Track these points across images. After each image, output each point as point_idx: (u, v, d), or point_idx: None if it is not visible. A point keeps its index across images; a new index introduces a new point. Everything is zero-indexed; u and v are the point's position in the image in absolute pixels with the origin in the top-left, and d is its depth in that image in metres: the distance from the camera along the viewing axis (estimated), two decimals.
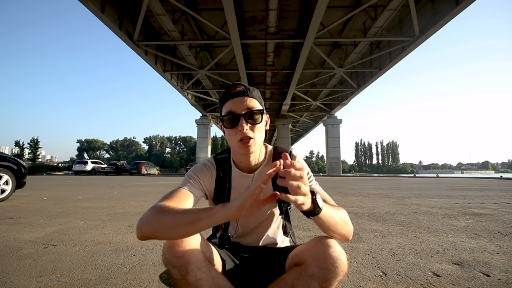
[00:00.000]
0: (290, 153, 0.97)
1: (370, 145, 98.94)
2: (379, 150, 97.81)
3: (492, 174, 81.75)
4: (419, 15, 10.44)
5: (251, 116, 0.83)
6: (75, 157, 73.51)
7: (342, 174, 28.13)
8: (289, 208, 1.01)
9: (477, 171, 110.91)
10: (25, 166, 5.10)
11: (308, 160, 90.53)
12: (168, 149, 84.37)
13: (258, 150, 0.89)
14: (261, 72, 17.17)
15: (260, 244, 0.97)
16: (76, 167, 24.25)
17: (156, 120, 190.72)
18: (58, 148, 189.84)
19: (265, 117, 0.88)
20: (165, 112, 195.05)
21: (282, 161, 0.57)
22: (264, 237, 0.97)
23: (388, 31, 12.88)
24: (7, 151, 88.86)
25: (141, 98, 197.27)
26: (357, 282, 1.44)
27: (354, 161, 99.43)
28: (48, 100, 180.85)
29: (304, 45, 11.54)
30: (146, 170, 26.35)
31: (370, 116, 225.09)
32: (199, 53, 15.12)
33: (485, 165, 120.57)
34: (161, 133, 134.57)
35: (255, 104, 0.85)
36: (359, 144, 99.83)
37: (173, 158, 76.86)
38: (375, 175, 49.08)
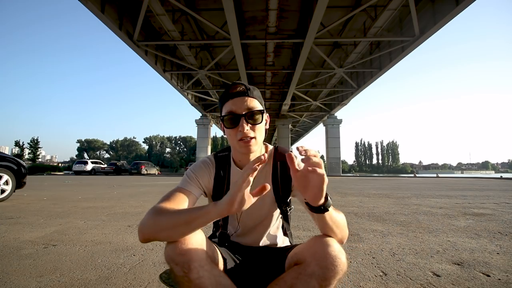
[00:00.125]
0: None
1: (370, 145, 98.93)
2: (379, 150, 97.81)
3: (492, 174, 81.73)
4: (419, 15, 10.44)
5: (251, 116, 0.83)
6: (75, 157, 73.50)
7: (342, 174, 28.13)
8: (289, 209, 1.01)
9: (477, 171, 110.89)
10: (25, 166, 5.10)
11: None
12: (168, 149, 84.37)
13: (258, 150, 0.90)
14: (261, 72, 17.16)
15: (260, 244, 0.97)
16: (76, 167, 24.25)
17: (156, 120, 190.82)
18: (58, 148, 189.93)
19: (265, 116, 0.89)
20: (165, 112, 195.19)
21: (266, 155, 0.62)
22: (264, 237, 0.97)
23: (388, 31, 12.87)
24: (7, 151, 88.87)
25: (141, 98, 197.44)
26: (357, 282, 1.44)
27: (354, 161, 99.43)
28: (48, 100, 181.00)
29: (304, 45, 11.53)
30: (146, 170, 26.35)
31: (370, 116, 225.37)
32: (199, 53, 15.12)
33: (485, 165, 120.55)
34: (161, 133, 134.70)
35: (256, 104, 0.85)
36: (359, 144, 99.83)
37: (173, 158, 76.85)
38: (375, 175, 49.07)
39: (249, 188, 0.63)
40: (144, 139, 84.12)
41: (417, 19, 10.23)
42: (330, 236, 0.74)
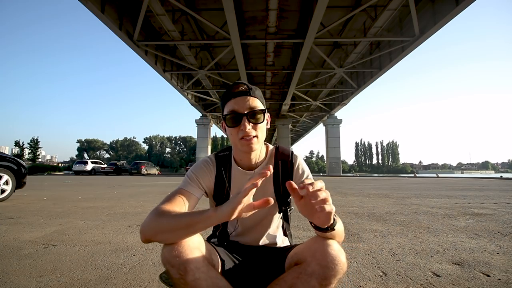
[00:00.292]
0: (291, 154, 0.97)
1: (370, 145, 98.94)
2: (379, 150, 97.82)
3: (492, 174, 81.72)
4: (419, 15, 10.44)
5: (253, 116, 0.84)
6: (75, 157, 73.52)
7: (342, 174, 28.12)
8: (290, 209, 1.01)
9: (477, 171, 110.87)
10: (25, 166, 5.10)
11: (308, 160, 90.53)
12: (168, 149, 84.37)
13: (259, 149, 0.90)
14: (261, 72, 17.16)
15: (260, 243, 0.97)
16: (76, 167, 24.25)
17: (156, 120, 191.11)
18: (58, 148, 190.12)
19: (267, 116, 0.89)
20: (165, 112, 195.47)
21: (271, 167, 0.63)
22: (264, 236, 0.97)
23: (388, 31, 12.87)
24: (7, 151, 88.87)
25: (141, 98, 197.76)
26: (357, 282, 1.44)
27: (354, 161, 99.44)
28: (48, 100, 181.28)
29: (304, 45, 11.53)
30: (146, 170, 26.35)
31: (370, 116, 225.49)
32: (199, 53, 15.12)
33: (485, 165, 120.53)
34: (161, 133, 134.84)
35: (257, 103, 0.86)
36: (359, 144, 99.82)
37: (173, 158, 76.84)
38: (375, 175, 49.07)
39: (251, 197, 0.64)
40: (144, 139, 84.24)
41: (417, 19, 10.23)
42: None
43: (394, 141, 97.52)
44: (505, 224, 2.97)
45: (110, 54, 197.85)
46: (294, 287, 0.68)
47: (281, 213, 1.00)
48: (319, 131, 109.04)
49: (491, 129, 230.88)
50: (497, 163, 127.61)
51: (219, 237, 0.99)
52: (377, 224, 2.93)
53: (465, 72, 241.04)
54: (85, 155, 73.63)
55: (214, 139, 72.83)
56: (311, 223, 0.70)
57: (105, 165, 26.10)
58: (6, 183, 4.62)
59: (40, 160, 45.86)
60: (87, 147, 77.61)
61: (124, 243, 2.14)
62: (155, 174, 27.52)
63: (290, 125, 27.41)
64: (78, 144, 78.47)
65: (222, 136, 75.31)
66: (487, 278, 1.49)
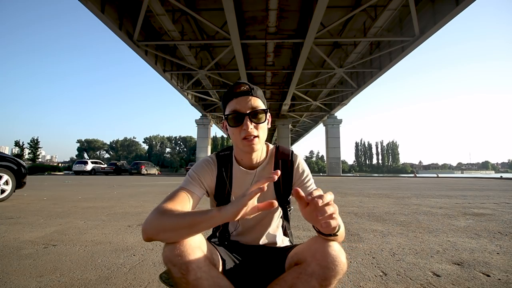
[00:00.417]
0: (292, 153, 0.97)
1: (370, 145, 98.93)
2: (379, 150, 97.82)
3: (492, 174, 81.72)
4: (419, 15, 10.44)
5: (255, 115, 0.84)
6: (75, 157, 73.51)
7: (342, 174, 28.12)
8: (289, 209, 1.02)
9: (477, 171, 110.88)
10: (25, 166, 5.10)
11: (308, 160, 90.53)
12: (168, 149, 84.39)
13: (260, 148, 0.91)
14: (261, 72, 17.16)
15: (260, 243, 0.97)
16: (76, 167, 24.25)
17: (156, 120, 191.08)
18: (58, 148, 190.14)
19: (268, 116, 0.90)
20: (165, 112, 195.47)
21: (279, 172, 0.62)
22: (264, 236, 0.98)
23: (388, 31, 12.87)
24: (7, 151, 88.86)
25: (141, 98, 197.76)
26: (357, 282, 1.44)
27: (354, 161, 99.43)
28: (48, 100, 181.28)
29: (304, 45, 11.53)
30: (146, 170, 26.35)
31: (370, 116, 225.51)
32: (199, 53, 15.12)
33: (485, 165, 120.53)
34: (161, 133, 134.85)
35: (259, 103, 0.86)
36: (359, 144, 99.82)
37: (173, 158, 76.84)
38: (375, 175, 49.07)
39: (256, 199, 0.64)
40: (144, 139, 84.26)
41: (417, 19, 10.23)
42: None
43: (394, 141, 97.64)
44: (505, 224, 2.97)
45: (110, 54, 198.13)
46: (294, 287, 0.69)
47: (281, 213, 1.00)
48: (319, 131, 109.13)
49: (491, 129, 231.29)
50: (497, 163, 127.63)
51: (220, 236, 0.99)
52: (377, 224, 2.93)
53: (465, 72, 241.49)
54: (85, 155, 73.63)
55: (214, 139, 72.81)
56: (314, 226, 0.70)
57: (105, 165, 26.10)
58: (6, 183, 4.62)
59: (40, 160, 45.86)
60: (87, 147, 77.61)
61: (124, 243, 2.14)
62: (155, 174, 27.52)
63: (290, 125, 27.41)
64: (78, 144, 78.50)
65: (222, 136, 75.29)
66: (487, 278, 1.49)
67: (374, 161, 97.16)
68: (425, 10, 10.61)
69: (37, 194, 5.90)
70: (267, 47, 13.65)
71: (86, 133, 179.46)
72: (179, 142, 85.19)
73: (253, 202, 0.64)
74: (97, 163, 25.59)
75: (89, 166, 24.23)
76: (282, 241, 1.02)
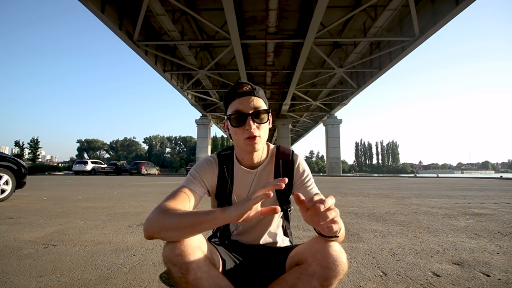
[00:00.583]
0: (292, 153, 0.98)
1: (370, 145, 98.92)
2: (379, 150, 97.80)
3: (492, 174, 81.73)
4: (419, 15, 10.44)
5: (257, 116, 0.85)
6: (75, 157, 73.52)
7: (342, 174, 28.12)
8: (290, 210, 1.02)
9: (477, 171, 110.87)
10: (25, 166, 5.10)
11: (308, 160, 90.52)
12: (168, 149, 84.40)
13: (261, 148, 0.91)
14: (261, 72, 17.16)
15: (260, 242, 0.97)
16: (76, 167, 24.24)
17: (156, 120, 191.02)
18: (58, 148, 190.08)
19: (270, 116, 0.90)
20: (165, 112, 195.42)
21: (286, 180, 0.62)
22: (265, 235, 0.98)
23: (388, 31, 12.87)
24: (7, 151, 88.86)
25: (141, 98, 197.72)
26: (357, 282, 1.44)
27: (354, 161, 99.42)
28: (48, 100, 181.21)
29: (304, 45, 11.53)
30: (146, 170, 26.35)
31: (370, 116, 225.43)
32: (199, 53, 15.12)
33: (485, 165, 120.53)
34: (161, 133, 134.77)
35: (261, 103, 0.87)
36: (359, 144, 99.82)
37: (173, 158, 76.84)
38: (375, 175, 49.07)
39: (259, 204, 0.65)
40: (144, 139, 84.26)
41: (417, 19, 10.23)
42: None
43: (394, 141, 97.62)
44: (505, 224, 2.97)
45: (110, 54, 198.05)
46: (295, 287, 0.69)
47: (282, 212, 1.00)
48: (319, 131, 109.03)
49: (491, 129, 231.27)
50: (497, 163, 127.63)
51: (220, 236, 0.99)
52: (377, 224, 2.93)
53: (465, 72, 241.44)
54: (85, 155, 73.64)
55: (214, 139, 72.82)
56: (314, 228, 0.70)
57: (105, 165, 26.09)
58: (6, 183, 4.62)
59: (40, 160, 45.85)
60: (87, 147, 77.62)
61: (124, 243, 2.14)
62: (155, 174, 27.52)
63: (290, 125, 27.41)
64: (78, 144, 78.51)
65: (222, 136, 75.29)
66: (487, 278, 1.49)
67: (374, 161, 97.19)
68: (425, 10, 10.61)
69: (37, 194, 5.90)
70: (267, 47, 13.65)
71: (86, 133, 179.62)
72: (179, 142, 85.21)
73: (257, 207, 0.65)
74: (97, 163, 25.58)
75: (89, 166, 24.23)
76: (282, 241, 1.02)
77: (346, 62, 14.98)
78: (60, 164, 49.59)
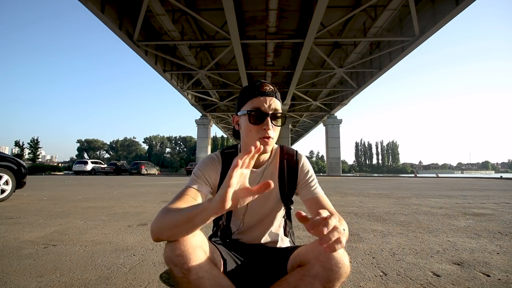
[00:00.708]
0: (296, 153, 0.98)
1: (370, 145, 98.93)
2: (379, 150, 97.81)
3: (492, 174, 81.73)
4: (419, 15, 10.45)
5: (275, 118, 0.86)
6: (75, 157, 73.53)
7: (342, 174, 28.13)
8: (291, 209, 1.02)
9: (477, 171, 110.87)
10: (25, 166, 5.10)
11: (308, 160, 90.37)
12: (168, 149, 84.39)
13: (270, 150, 0.92)
14: (261, 72, 17.17)
15: (262, 241, 0.97)
16: (76, 167, 24.24)
17: (156, 120, 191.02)
18: (58, 148, 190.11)
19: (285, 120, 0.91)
20: (165, 112, 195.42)
21: (260, 147, 0.58)
22: (266, 235, 0.98)
23: (388, 31, 12.88)
24: (7, 151, 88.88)
25: (141, 98, 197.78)
26: (357, 282, 1.44)
27: (354, 161, 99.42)
28: (48, 100, 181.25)
29: (304, 45, 11.54)
30: (146, 170, 26.33)
31: (370, 116, 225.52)
32: (199, 53, 15.13)
33: (485, 165, 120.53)
34: (161, 133, 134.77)
35: (279, 107, 0.88)
36: (359, 144, 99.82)
37: (173, 158, 76.84)
38: (375, 175, 49.07)
39: (246, 180, 0.61)
40: (144, 139, 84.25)
41: (417, 19, 10.23)
42: None
43: (394, 141, 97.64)
44: (505, 224, 2.97)
45: (110, 54, 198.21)
46: None
47: (284, 212, 1.01)
48: (319, 131, 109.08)
49: (491, 129, 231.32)
50: (497, 163, 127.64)
51: (221, 235, 0.99)
52: (377, 224, 2.93)
53: (465, 72, 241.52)
54: (85, 155, 73.63)
55: (214, 139, 72.83)
56: None
57: (105, 165, 26.08)
58: (6, 183, 4.62)
59: (40, 160, 45.85)
60: (87, 147, 77.62)
61: (124, 243, 2.14)
62: (155, 174, 27.51)
63: (290, 125, 27.45)
64: (78, 144, 78.51)
65: (222, 136, 75.28)
66: (487, 278, 1.49)
67: (374, 161, 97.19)
68: (425, 10, 10.61)
69: (37, 194, 5.90)
70: (267, 47, 13.65)
71: (86, 133, 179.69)
72: (179, 142, 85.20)
73: (244, 184, 0.60)
74: (97, 163, 25.58)
75: (89, 166, 24.22)
76: (283, 241, 1.02)
77: (346, 62, 14.99)
78: (60, 164, 49.59)
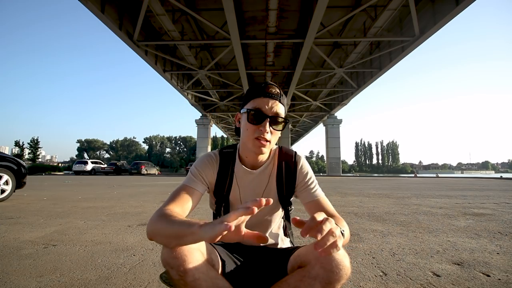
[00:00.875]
0: (295, 154, 0.97)
1: (370, 145, 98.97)
2: (379, 150, 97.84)
3: (492, 174, 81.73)
4: (419, 15, 10.44)
5: (275, 121, 0.85)
6: (75, 157, 73.54)
7: (342, 174, 28.13)
8: (290, 210, 1.02)
9: (477, 171, 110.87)
10: (25, 166, 5.10)
11: (308, 160, 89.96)
12: (168, 149, 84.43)
13: (267, 153, 0.91)
14: (261, 72, 17.16)
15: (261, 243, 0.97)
16: (76, 167, 24.25)
17: (156, 120, 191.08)
18: (58, 148, 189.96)
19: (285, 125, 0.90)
20: (165, 112, 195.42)
21: (271, 200, 0.54)
22: (266, 235, 0.97)
23: (388, 31, 12.87)
24: (7, 151, 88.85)
25: (141, 98, 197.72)
26: (357, 282, 1.44)
27: (354, 161, 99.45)
28: (48, 100, 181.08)
29: (304, 45, 11.54)
30: (146, 170, 26.34)
31: (370, 116, 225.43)
32: (199, 53, 15.12)
33: (485, 165, 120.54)
34: (161, 133, 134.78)
35: (282, 111, 0.87)
36: (359, 144, 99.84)
37: (173, 158, 76.85)
38: (375, 175, 49.06)
39: (243, 224, 0.57)
40: (144, 139, 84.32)
41: (417, 19, 10.23)
42: None
43: (394, 141, 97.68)
44: (505, 224, 2.97)
45: (110, 54, 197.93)
46: None
47: (283, 213, 1.00)
48: (319, 131, 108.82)
49: (491, 129, 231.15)
50: (497, 163, 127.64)
51: None
52: (377, 224, 2.93)
53: (465, 72, 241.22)
54: (85, 155, 73.65)
55: (214, 139, 72.84)
56: None
57: (105, 165, 26.09)
58: (6, 183, 4.62)
59: (40, 160, 45.85)
60: (87, 147, 77.63)
61: (124, 243, 2.14)
62: (155, 174, 27.52)
63: (290, 125, 27.44)
64: (78, 144, 78.53)
65: (222, 136, 75.28)
66: (487, 278, 1.49)
67: (374, 161, 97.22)
68: (425, 10, 10.61)
69: (37, 194, 5.90)
70: (267, 47, 13.65)
71: (86, 133, 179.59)
72: (179, 142, 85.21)
73: (239, 227, 0.56)
74: (97, 163, 25.59)
75: (89, 166, 24.23)
76: (283, 241, 1.02)
77: (346, 62, 14.98)
78: (60, 164, 49.59)
